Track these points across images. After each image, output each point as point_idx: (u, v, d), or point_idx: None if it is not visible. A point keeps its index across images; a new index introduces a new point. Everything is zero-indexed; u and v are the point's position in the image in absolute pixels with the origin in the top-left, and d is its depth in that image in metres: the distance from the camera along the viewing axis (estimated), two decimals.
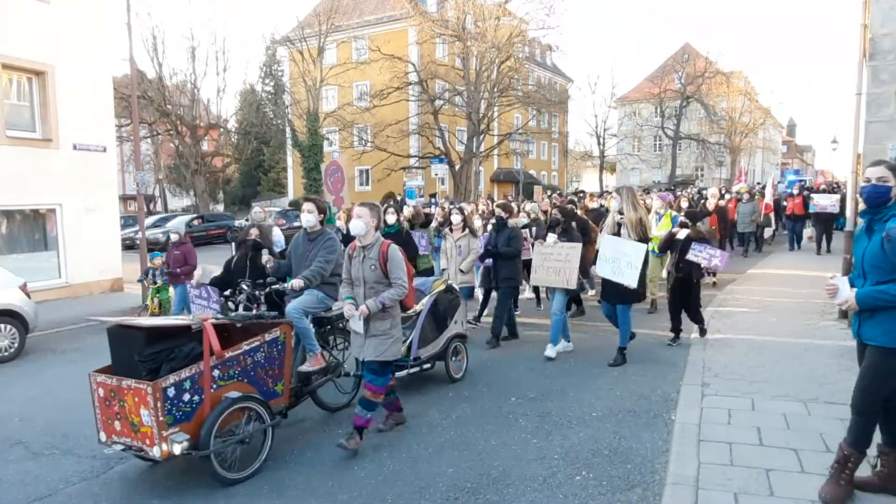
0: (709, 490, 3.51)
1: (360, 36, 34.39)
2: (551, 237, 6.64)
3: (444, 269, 8.09)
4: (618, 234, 6.22)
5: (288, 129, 33.00)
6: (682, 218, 7.35)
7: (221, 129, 33.47)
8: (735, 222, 14.73)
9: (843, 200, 15.55)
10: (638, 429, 4.63)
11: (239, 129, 35.49)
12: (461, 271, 7.47)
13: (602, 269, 6.25)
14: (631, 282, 5.96)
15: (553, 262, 6.55)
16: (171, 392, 3.69)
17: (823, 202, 14.43)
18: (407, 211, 9.79)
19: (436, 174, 29.50)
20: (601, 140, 45.78)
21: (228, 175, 40.10)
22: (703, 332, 7.13)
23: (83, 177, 12.64)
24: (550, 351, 6.58)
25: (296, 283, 4.85)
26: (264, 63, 39.99)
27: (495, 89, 29.57)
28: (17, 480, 4.16)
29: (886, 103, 7.81)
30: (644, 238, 6.08)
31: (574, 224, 7.08)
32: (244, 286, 5.18)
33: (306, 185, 31.39)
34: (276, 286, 5.06)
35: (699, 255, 6.68)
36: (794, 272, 12.07)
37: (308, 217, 5.07)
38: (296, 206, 31.15)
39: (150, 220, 23.05)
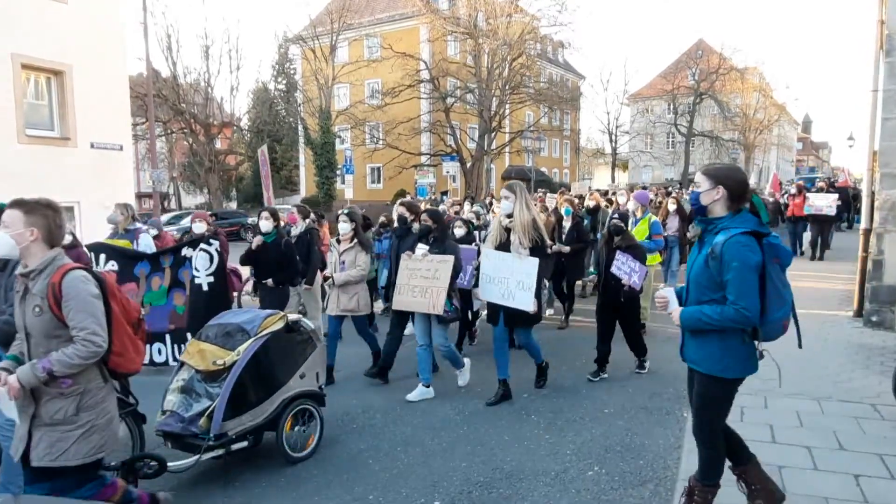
0: (721, 486, 3.53)
1: (371, 34, 34.52)
2: (420, 248, 5.38)
3: (328, 295, 6.56)
4: (507, 242, 5.05)
5: (300, 127, 33.22)
6: (614, 220, 6.04)
7: (234, 128, 33.75)
8: None
9: (848, 200, 14.72)
10: (650, 425, 4.65)
11: (252, 127, 35.76)
12: (343, 292, 5.83)
13: (488, 293, 5.10)
14: (526, 305, 4.86)
15: (419, 280, 5.25)
16: None
17: (819, 203, 13.01)
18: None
19: (447, 172, 29.61)
20: (613, 137, 45.61)
21: (241, 173, 40.41)
22: (641, 364, 5.96)
23: (100, 175, 12.84)
24: (415, 395, 5.33)
25: None
26: (277, 61, 40.21)
27: (507, 86, 29.55)
28: None
29: None
30: (540, 244, 4.98)
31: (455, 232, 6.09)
32: None
33: (319, 183, 31.59)
34: None
35: (620, 267, 5.50)
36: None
37: None
38: (308, 203, 31.40)
39: (164, 218, 23.33)
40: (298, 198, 38.08)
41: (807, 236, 13.84)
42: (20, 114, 11.57)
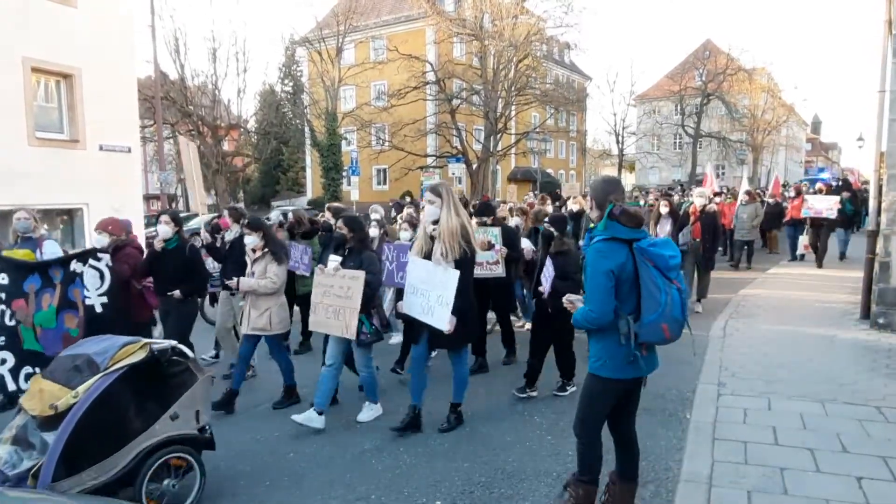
0: (722, 488, 3.54)
1: (377, 36, 34.63)
2: (332, 261, 4.80)
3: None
4: (431, 251, 4.48)
5: (307, 129, 33.37)
6: (546, 225, 5.57)
7: (241, 130, 33.93)
8: (733, 229, 12.73)
9: (855, 202, 14.21)
10: (653, 427, 4.64)
11: (258, 129, 35.95)
12: (253, 307, 5.28)
13: (411, 306, 4.53)
14: (441, 323, 4.28)
15: (332, 299, 4.73)
16: None
17: (819, 206, 12.08)
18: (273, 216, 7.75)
19: (453, 173, 29.66)
20: (620, 138, 45.49)
21: (248, 175, 40.66)
22: (563, 387, 5.45)
23: (109, 177, 12.94)
24: (365, 414, 5.02)
25: None
26: (283, 64, 40.38)
27: (513, 88, 29.52)
28: None
29: None
30: (468, 255, 4.40)
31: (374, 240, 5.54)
32: None
33: (325, 185, 31.71)
34: None
35: (545, 273, 5.05)
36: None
37: None
38: (314, 205, 31.56)
39: None
40: (305, 199, 38.27)
41: (802, 241, 12.92)
42: (30, 116, 11.69)
